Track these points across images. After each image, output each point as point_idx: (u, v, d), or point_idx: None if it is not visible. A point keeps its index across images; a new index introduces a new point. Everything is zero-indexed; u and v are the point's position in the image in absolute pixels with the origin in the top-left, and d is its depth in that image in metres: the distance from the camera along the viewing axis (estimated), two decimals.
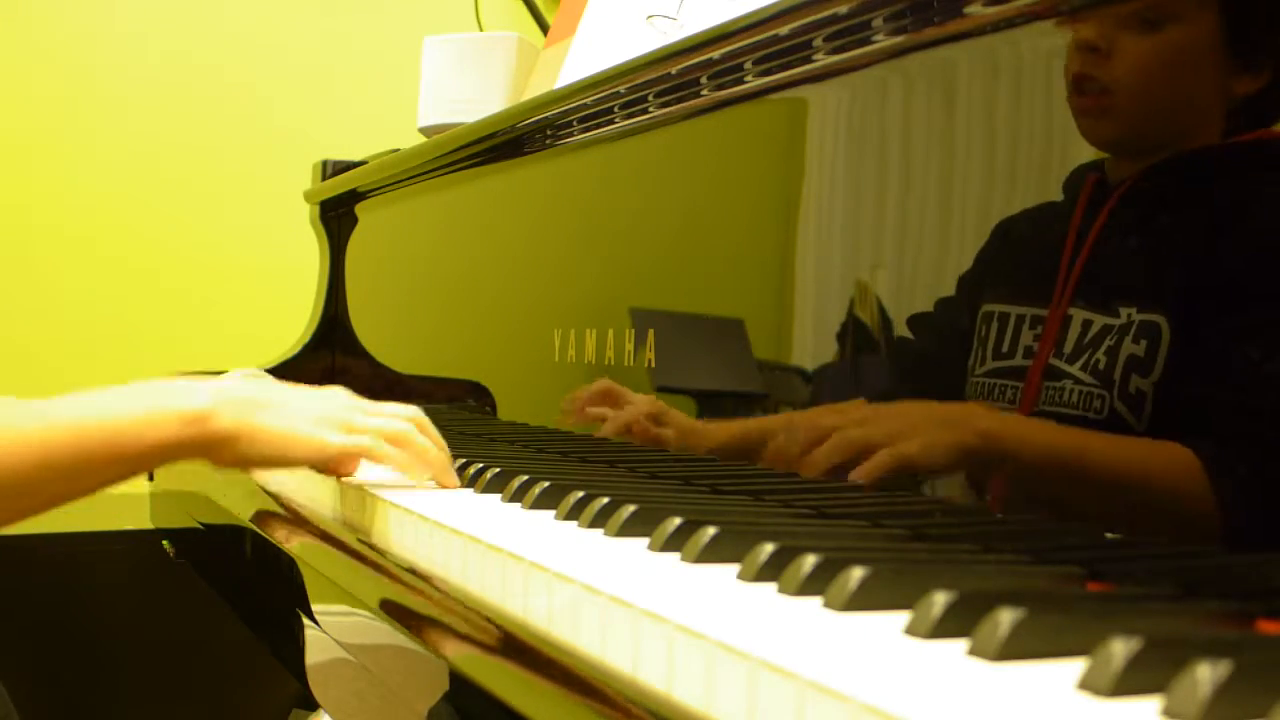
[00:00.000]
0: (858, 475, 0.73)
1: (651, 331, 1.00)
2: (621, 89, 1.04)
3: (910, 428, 0.72)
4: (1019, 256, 0.69)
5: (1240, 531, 0.56)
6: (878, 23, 0.77)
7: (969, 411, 0.70)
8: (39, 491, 0.77)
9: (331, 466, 0.89)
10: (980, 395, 0.68)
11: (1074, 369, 0.63)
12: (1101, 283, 0.63)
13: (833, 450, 0.76)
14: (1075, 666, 0.39)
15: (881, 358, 0.78)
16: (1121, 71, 0.64)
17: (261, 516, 1.09)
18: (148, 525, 1.75)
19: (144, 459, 0.79)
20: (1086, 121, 0.65)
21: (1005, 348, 0.67)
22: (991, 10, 0.70)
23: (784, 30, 0.84)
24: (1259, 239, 0.57)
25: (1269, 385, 0.55)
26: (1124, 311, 0.61)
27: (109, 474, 0.79)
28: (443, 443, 0.89)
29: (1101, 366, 0.61)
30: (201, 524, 1.44)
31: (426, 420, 0.89)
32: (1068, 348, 0.63)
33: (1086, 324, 0.63)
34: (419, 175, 1.52)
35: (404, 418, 0.87)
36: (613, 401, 1.04)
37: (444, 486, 0.87)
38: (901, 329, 0.76)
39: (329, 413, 0.85)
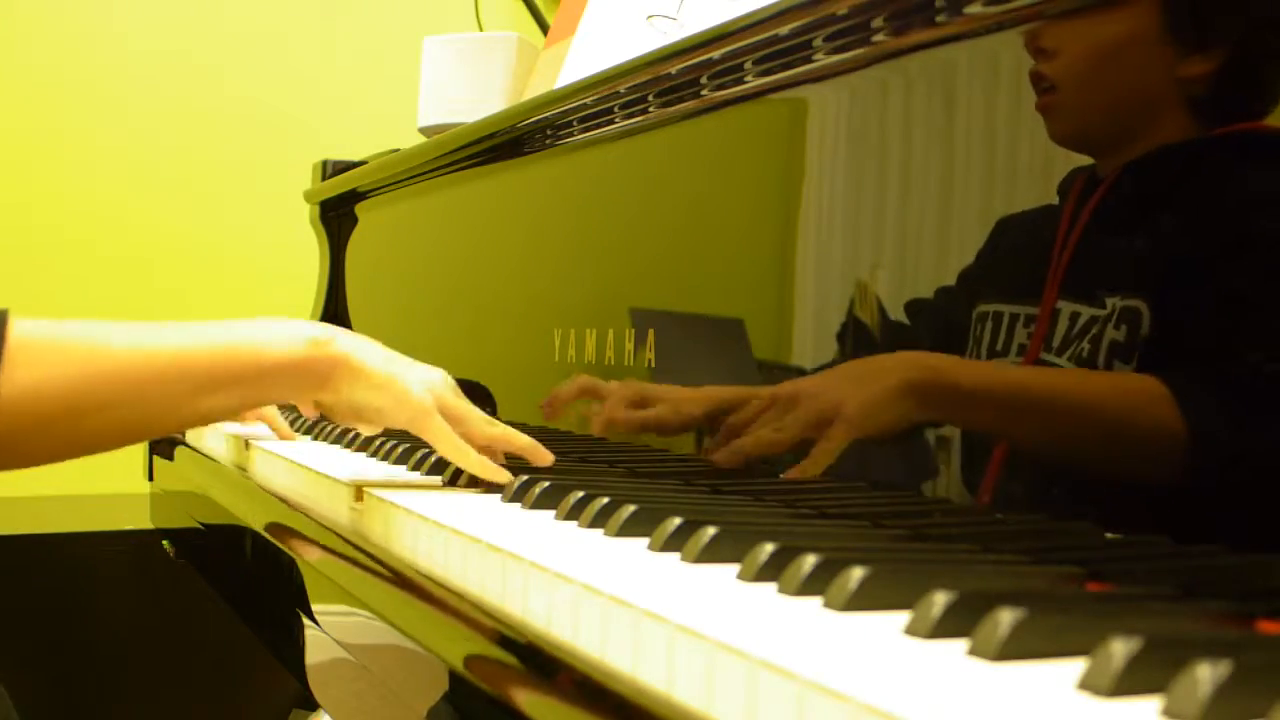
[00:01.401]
0: (814, 466, 0.76)
1: (651, 331, 1.00)
2: (621, 89, 1.04)
3: (854, 388, 0.75)
4: (1014, 257, 0.69)
5: (1203, 473, 0.57)
6: (878, 23, 0.77)
7: (912, 354, 0.72)
8: (172, 405, 0.80)
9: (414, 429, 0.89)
10: None
11: (1062, 361, 0.63)
12: (1088, 276, 0.63)
13: (790, 440, 0.79)
14: (1075, 666, 0.39)
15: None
16: (1066, 68, 0.65)
17: (262, 516, 1.09)
18: (148, 525, 1.75)
19: (277, 374, 0.82)
20: (1046, 120, 0.66)
21: (1000, 346, 0.67)
22: (991, 10, 0.70)
23: (784, 30, 0.84)
24: (1240, 230, 0.57)
25: (1248, 372, 0.55)
26: (1110, 302, 0.61)
27: (247, 390, 0.82)
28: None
29: (1086, 355, 0.62)
30: (201, 524, 1.44)
31: (538, 448, 0.89)
32: (1057, 340, 0.64)
33: (1075, 316, 0.63)
34: (419, 175, 1.52)
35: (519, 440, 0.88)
36: (593, 396, 1.04)
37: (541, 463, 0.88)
38: (901, 328, 0.76)
39: (434, 383, 0.86)
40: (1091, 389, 0.62)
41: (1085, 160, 0.65)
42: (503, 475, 0.84)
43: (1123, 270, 0.62)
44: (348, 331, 0.87)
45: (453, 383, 0.89)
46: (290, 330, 0.83)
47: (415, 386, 0.84)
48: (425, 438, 0.85)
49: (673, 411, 0.95)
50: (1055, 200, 0.67)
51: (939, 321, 0.73)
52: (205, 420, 0.85)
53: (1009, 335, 0.67)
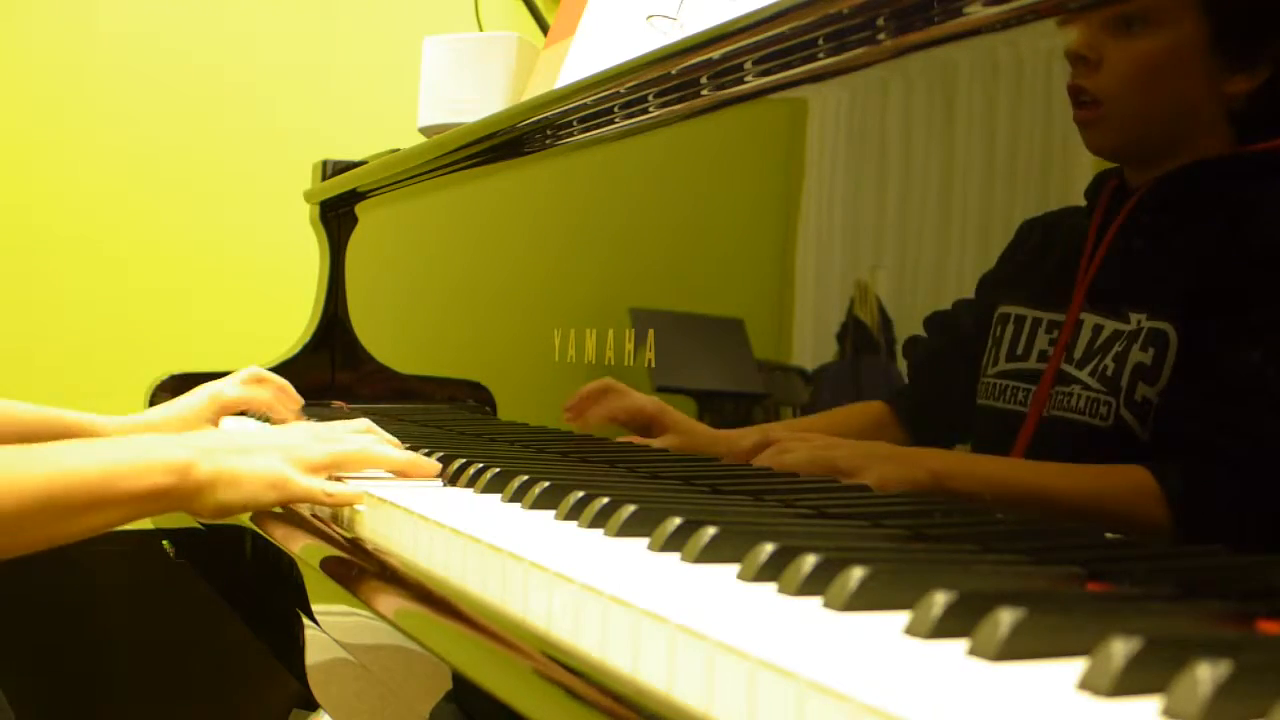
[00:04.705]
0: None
1: (651, 331, 1.00)
2: (621, 89, 1.04)
3: (867, 459, 0.75)
4: (1039, 260, 0.69)
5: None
6: (878, 23, 0.77)
7: (922, 453, 0.73)
8: (34, 530, 0.84)
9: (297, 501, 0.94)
10: (990, 396, 0.68)
11: (1083, 374, 0.63)
12: (1114, 288, 0.63)
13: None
14: (1075, 666, 0.39)
15: (881, 358, 0.78)
16: (1110, 81, 0.64)
17: (261, 516, 1.09)
18: (148, 525, 1.75)
19: (133, 505, 0.85)
20: (1086, 133, 0.65)
21: (1020, 350, 0.67)
22: (991, 10, 0.70)
23: (784, 30, 0.84)
24: (1272, 249, 0.57)
25: (1273, 394, 0.55)
26: (1134, 318, 0.61)
27: (100, 518, 0.85)
28: (396, 442, 0.96)
29: (1110, 373, 0.61)
30: (202, 524, 1.44)
31: (376, 428, 0.97)
32: (1079, 352, 0.63)
33: (1098, 329, 0.63)
34: (419, 175, 1.52)
35: (359, 431, 0.95)
36: (613, 403, 1.05)
37: (421, 477, 0.92)
38: (901, 329, 0.76)
39: (295, 456, 0.91)
40: (1084, 486, 0.62)
41: (1105, 165, 0.65)
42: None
43: (1150, 287, 0.62)
44: (208, 443, 0.89)
45: (310, 435, 0.94)
46: (154, 456, 0.85)
47: (272, 470, 0.88)
48: (299, 502, 0.91)
49: (682, 444, 0.96)
50: (1058, 200, 0.67)
51: (956, 322, 0.73)
52: (75, 539, 0.87)
53: (1030, 340, 0.66)
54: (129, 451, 0.86)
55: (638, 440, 1.00)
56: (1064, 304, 0.65)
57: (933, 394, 0.76)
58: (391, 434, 1.01)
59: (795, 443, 0.82)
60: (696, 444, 0.95)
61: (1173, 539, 0.58)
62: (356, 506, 0.87)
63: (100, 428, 1.23)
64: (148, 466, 0.85)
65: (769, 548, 0.54)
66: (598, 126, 1.11)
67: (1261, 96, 0.59)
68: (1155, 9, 0.63)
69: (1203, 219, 0.61)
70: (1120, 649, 0.37)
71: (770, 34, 0.86)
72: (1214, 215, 0.60)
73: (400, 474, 0.93)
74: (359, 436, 0.94)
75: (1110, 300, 0.62)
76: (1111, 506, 0.61)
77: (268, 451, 0.90)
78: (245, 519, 1.14)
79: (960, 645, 0.42)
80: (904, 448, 0.74)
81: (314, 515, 0.95)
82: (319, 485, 0.89)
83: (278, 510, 1.00)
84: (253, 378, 1.38)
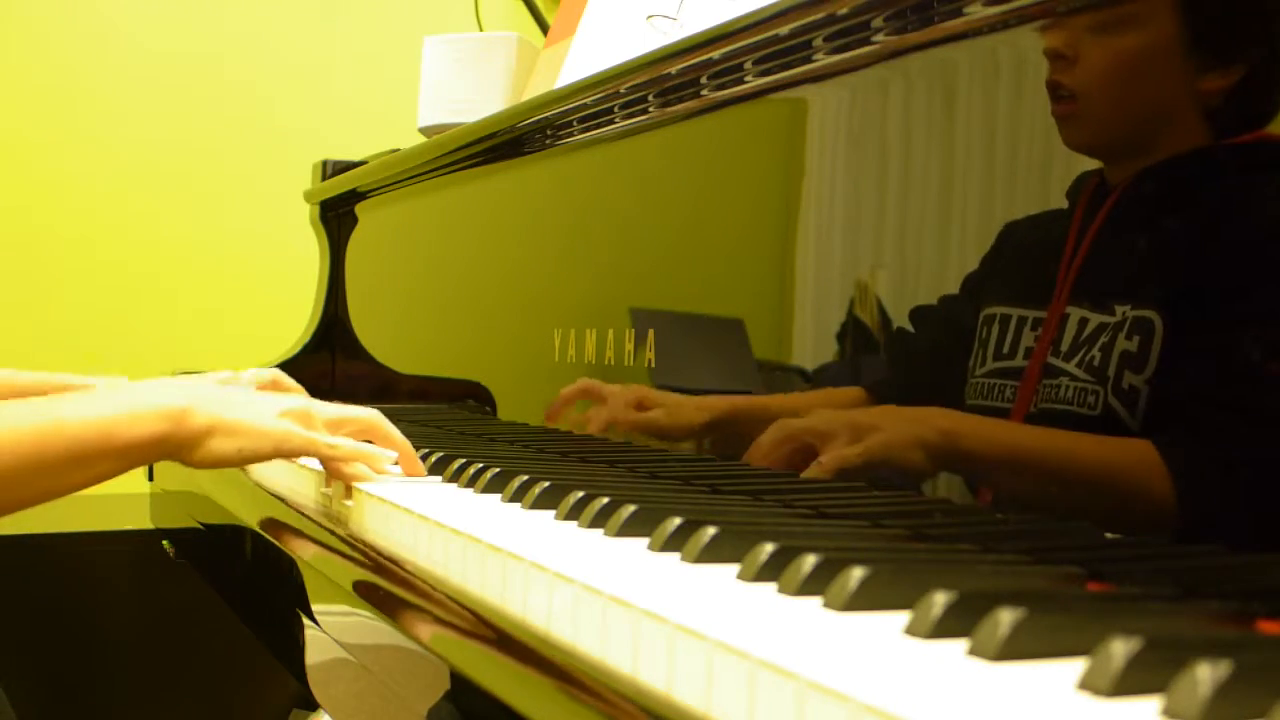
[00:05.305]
0: (824, 469, 0.77)
1: (651, 331, 1.00)
2: (621, 89, 1.04)
3: (873, 425, 0.75)
4: (1022, 260, 0.69)
5: (1197, 528, 0.57)
6: (878, 23, 0.77)
7: (930, 411, 0.73)
8: (33, 484, 0.81)
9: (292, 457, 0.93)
10: (979, 395, 0.68)
11: (1070, 366, 0.63)
12: (1098, 282, 0.63)
13: (801, 449, 0.80)
14: (1075, 666, 0.39)
15: (881, 358, 0.78)
16: (1086, 77, 0.65)
17: (262, 516, 1.09)
18: (148, 525, 1.75)
19: (130, 453, 0.83)
20: (1062, 127, 0.66)
21: (1006, 349, 0.67)
22: (991, 10, 0.70)
23: (784, 30, 0.84)
24: (1251, 238, 0.57)
25: (1260, 381, 0.55)
26: (1119, 309, 0.61)
27: (98, 469, 0.83)
28: (403, 437, 0.95)
29: (1096, 363, 0.62)
30: (201, 524, 1.44)
31: (384, 418, 0.95)
32: (1065, 346, 0.64)
33: (1083, 322, 0.63)
34: (419, 175, 1.52)
35: (367, 420, 0.94)
36: (595, 399, 1.05)
37: (412, 474, 0.93)
38: (901, 329, 0.76)
39: (292, 407, 0.90)
40: (1089, 455, 0.62)
41: (1091, 163, 0.65)
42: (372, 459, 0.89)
43: (1134, 279, 0.62)
44: (203, 391, 0.88)
45: (299, 405, 0.92)
46: (150, 403, 0.84)
47: (267, 420, 0.87)
48: (297, 455, 0.90)
49: (672, 417, 0.96)
50: (1057, 201, 0.67)
51: (944, 325, 0.73)
52: (70, 492, 0.85)
53: (1016, 338, 0.67)
54: (124, 400, 0.84)
55: (638, 440, 1.00)
56: (1048, 301, 0.65)
57: (914, 388, 0.76)
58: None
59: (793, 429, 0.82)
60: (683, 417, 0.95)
61: (1174, 518, 0.58)
62: (354, 494, 0.87)
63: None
64: (143, 414, 0.83)
65: (769, 548, 0.54)
66: (598, 126, 1.11)
67: (1235, 94, 0.59)
68: (1132, 9, 0.63)
69: (1181, 211, 0.61)
70: (1120, 649, 0.37)
71: (770, 34, 0.86)
72: (1194, 207, 0.61)
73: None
74: (363, 414, 0.93)
75: (1095, 294, 0.63)
76: (1119, 478, 0.61)
77: (267, 405, 0.89)
78: (245, 518, 1.14)
79: (960, 645, 0.42)
80: (910, 408, 0.74)
81: (315, 517, 0.95)
82: (320, 438, 0.88)
83: (280, 510, 1.00)
84: (269, 381, 1.35)
